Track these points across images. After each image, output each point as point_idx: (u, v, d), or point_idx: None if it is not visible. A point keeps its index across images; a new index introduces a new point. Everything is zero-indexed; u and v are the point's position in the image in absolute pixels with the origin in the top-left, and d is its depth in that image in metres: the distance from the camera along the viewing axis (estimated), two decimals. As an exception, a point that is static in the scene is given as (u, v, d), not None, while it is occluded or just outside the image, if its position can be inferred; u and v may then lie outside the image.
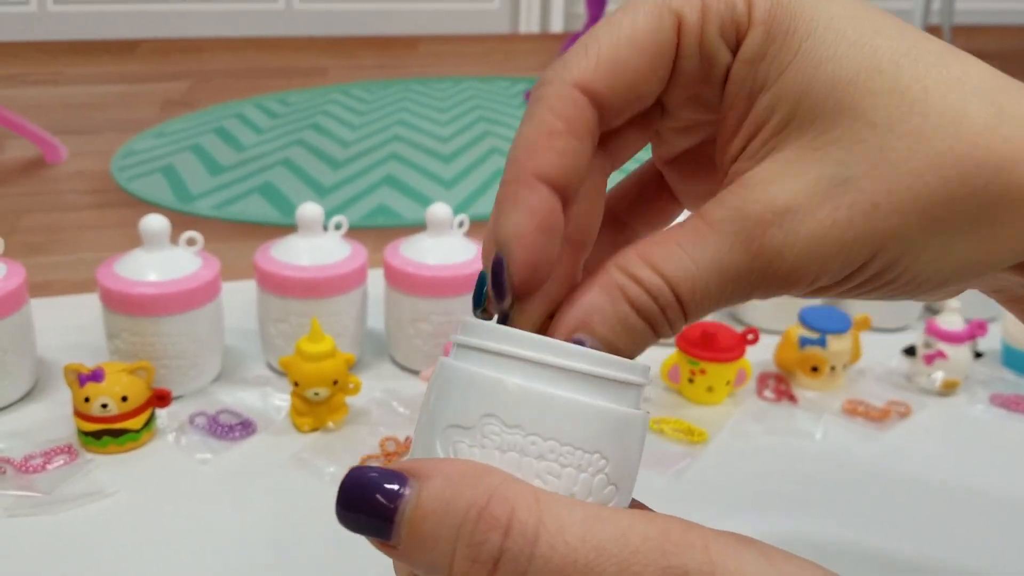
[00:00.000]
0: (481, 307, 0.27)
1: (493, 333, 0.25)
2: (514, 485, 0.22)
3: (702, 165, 0.30)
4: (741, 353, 0.66)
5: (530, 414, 0.24)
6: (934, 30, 2.73)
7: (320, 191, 1.40)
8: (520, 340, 0.25)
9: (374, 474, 0.23)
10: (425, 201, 1.38)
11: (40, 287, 0.64)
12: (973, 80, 0.24)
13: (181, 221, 0.63)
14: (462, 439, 0.24)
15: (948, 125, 0.23)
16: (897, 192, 0.23)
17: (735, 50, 0.25)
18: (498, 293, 0.25)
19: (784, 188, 0.23)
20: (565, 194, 0.25)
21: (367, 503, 0.23)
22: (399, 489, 0.22)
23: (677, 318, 0.24)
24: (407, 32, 2.60)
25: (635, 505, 0.26)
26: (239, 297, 0.70)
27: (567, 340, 0.25)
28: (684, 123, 0.28)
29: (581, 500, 0.23)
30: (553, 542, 0.21)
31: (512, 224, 0.24)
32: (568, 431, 0.24)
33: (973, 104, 0.23)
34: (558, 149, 0.25)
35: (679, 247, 0.24)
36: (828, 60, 0.23)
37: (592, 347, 0.25)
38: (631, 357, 0.25)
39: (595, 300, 0.24)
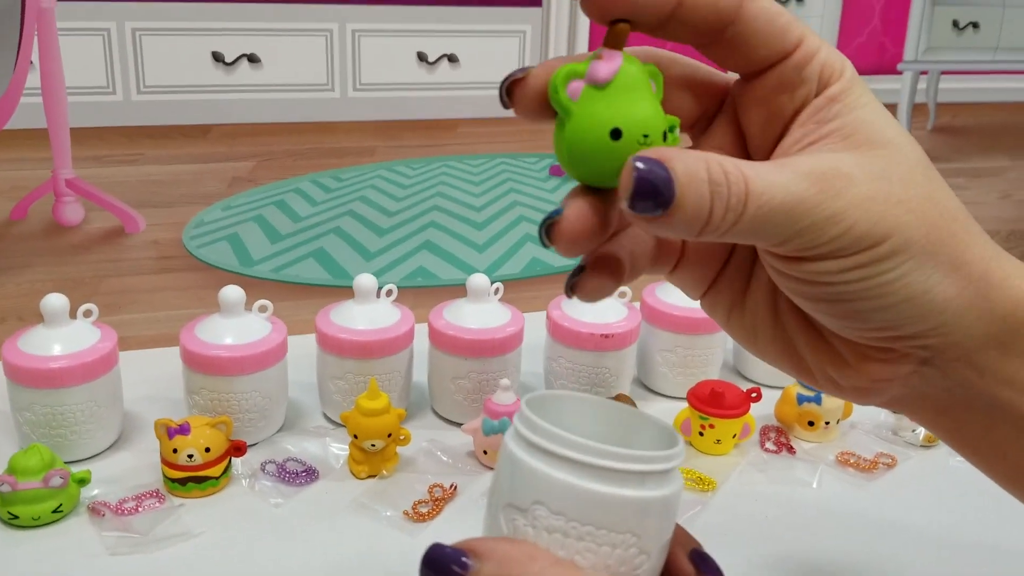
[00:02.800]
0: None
1: (544, 432, 0.28)
2: (549, 573, 0.27)
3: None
4: (746, 410, 0.68)
5: (571, 504, 0.28)
6: (920, 108, 2.75)
7: (367, 255, 1.43)
8: (564, 441, 0.28)
9: (448, 550, 0.28)
10: (460, 263, 1.40)
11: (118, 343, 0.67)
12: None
13: (242, 283, 0.66)
14: (518, 518, 0.28)
15: (944, 187, 0.30)
16: (912, 200, 0.29)
17: (819, 88, 0.30)
18: None
19: (846, 163, 0.29)
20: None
21: (443, 572, 0.28)
22: (465, 565, 0.28)
23: (738, 203, 0.27)
24: (447, 116, 2.65)
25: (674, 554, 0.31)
26: (295, 353, 0.72)
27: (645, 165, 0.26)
28: (752, 110, 0.32)
29: None
30: None
31: None
32: (602, 517, 0.28)
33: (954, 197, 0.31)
34: None
35: (763, 166, 0.28)
36: (879, 117, 0.30)
37: (661, 184, 0.26)
38: (680, 219, 0.26)
39: (682, 153, 0.27)
